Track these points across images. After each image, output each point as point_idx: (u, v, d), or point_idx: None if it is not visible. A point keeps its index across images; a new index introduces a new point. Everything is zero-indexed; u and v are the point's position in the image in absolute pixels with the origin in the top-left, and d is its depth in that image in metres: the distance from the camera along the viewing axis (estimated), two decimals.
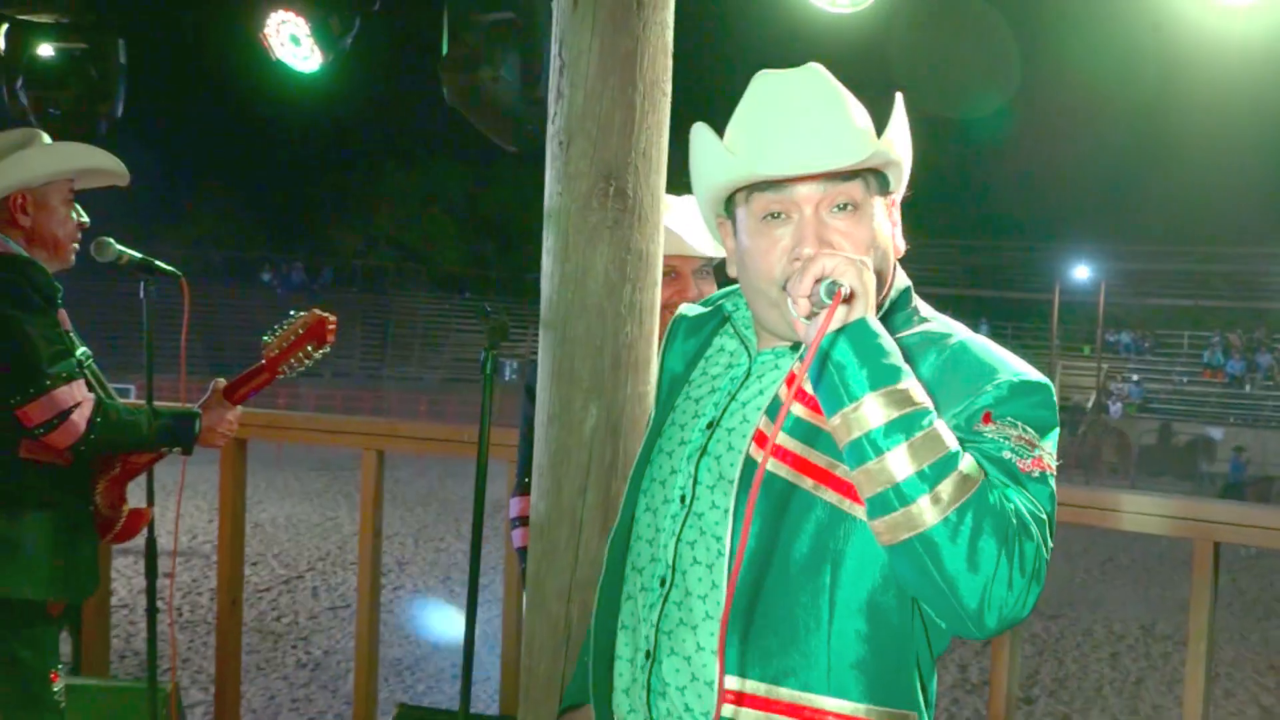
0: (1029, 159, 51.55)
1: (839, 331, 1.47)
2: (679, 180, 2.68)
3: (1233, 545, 3.31)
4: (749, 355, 1.79)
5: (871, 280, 1.51)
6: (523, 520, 3.26)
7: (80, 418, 2.87)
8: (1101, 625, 11.93)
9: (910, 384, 1.48)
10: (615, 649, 1.86)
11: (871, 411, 1.45)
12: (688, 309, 1.97)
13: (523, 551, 3.16)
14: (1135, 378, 37.90)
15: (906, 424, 1.44)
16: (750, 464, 1.65)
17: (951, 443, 1.45)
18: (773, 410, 1.66)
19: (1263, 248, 42.08)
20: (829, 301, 1.45)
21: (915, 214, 1.79)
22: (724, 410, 1.75)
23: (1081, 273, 42.89)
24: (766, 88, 1.71)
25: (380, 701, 4.40)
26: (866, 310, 1.49)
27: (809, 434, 1.62)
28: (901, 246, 1.74)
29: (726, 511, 1.67)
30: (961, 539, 1.42)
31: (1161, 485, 27.63)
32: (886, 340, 1.50)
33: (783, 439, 1.64)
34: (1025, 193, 51.15)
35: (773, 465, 1.64)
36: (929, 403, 1.48)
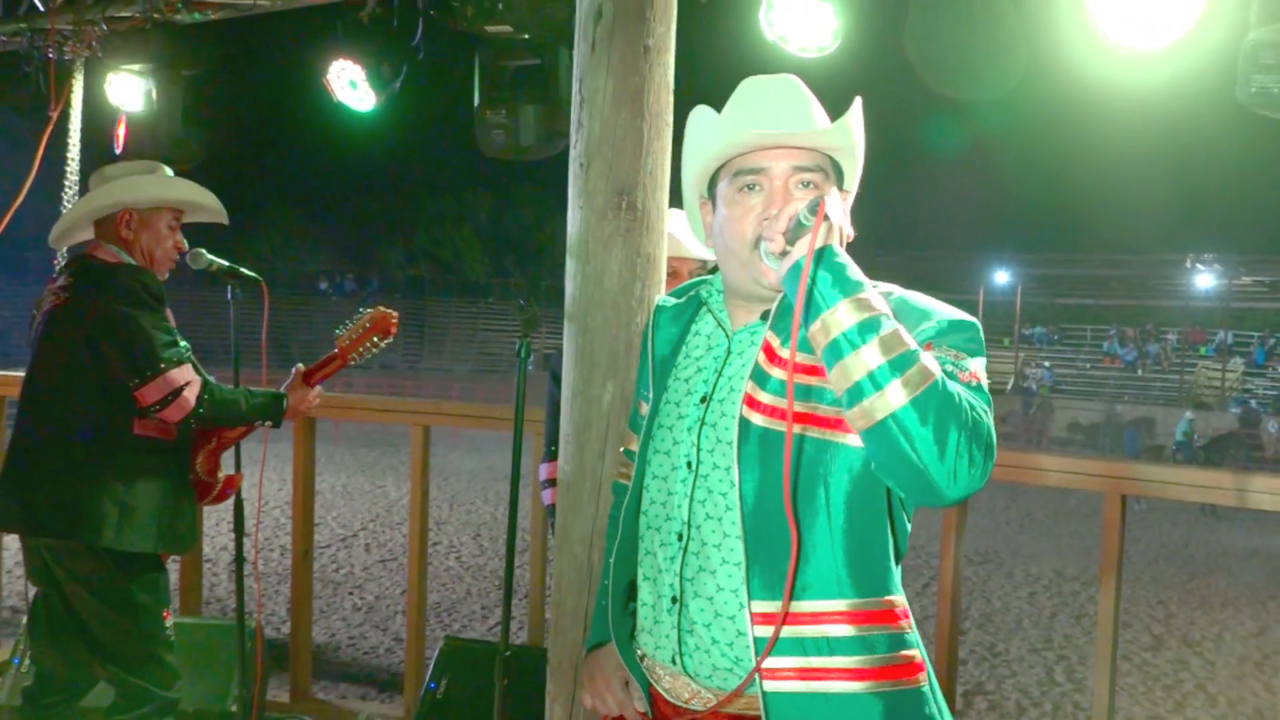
0: (961, 185, 51.76)
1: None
2: (680, 195, 2.69)
3: (1128, 500, 3.33)
4: (726, 335, 1.78)
5: (836, 214, 1.51)
6: (551, 482, 3.28)
7: (190, 395, 2.88)
8: (1021, 569, 11.96)
9: (872, 293, 1.48)
10: (634, 597, 1.86)
11: (845, 315, 1.44)
12: (664, 300, 1.95)
13: (552, 508, 3.17)
14: (1047, 364, 37.92)
15: (874, 323, 1.43)
16: (744, 423, 1.65)
17: (912, 342, 1.45)
18: (757, 376, 1.66)
19: (1152, 256, 42.22)
20: (808, 225, 1.45)
21: (870, 230, 1.79)
22: (714, 386, 1.74)
23: (1001, 277, 43.02)
24: (751, 85, 1.76)
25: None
26: (830, 239, 1.49)
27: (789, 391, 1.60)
28: (851, 233, 1.73)
29: (728, 470, 1.66)
30: (929, 419, 1.40)
31: (1070, 452, 27.76)
32: (848, 259, 1.50)
33: (769, 399, 1.64)
34: (956, 212, 51.32)
35: (764, 422, 1.64)
36: (888, 310, 1.48)
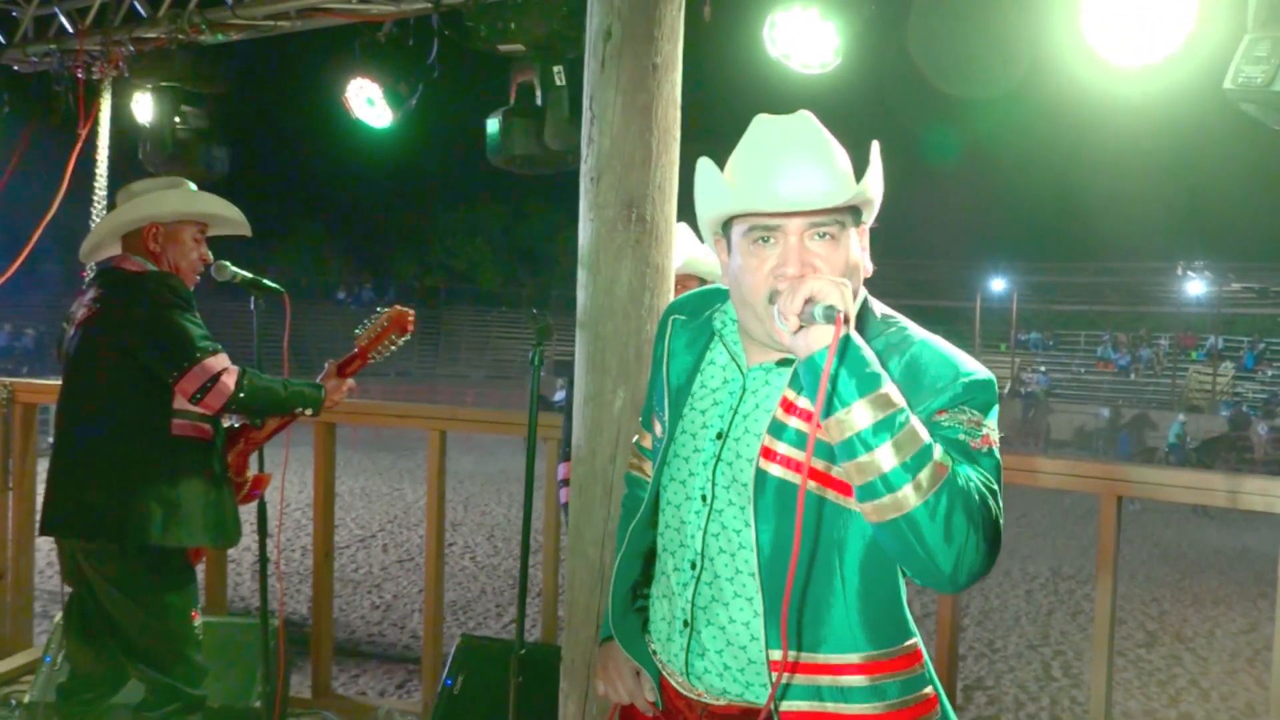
0: (958, 196, 51.76)
1: (825, 349, 1.43)
2: (686, 208, 2.70)
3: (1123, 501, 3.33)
4: (741, 372, 1.75)
5: (851, 301, 1.46)
6: (567, 482, 3.28)
7: (229, 380, 2.88)
8: (1018, 568, 11.93)
9: (889, 388, 1.45)
10: (647, 600, 1.86)
11: (860, 415, 1.42)
12: (678, 317, 1.90)
13: (567, 507, 3.17)
14: (1042, 369, 37.71)
15: (889, 423, 1.41)
16: (760, 474, 1.64)
17: (925, 436, 1.43)
18: (774, 428, 1.64)
19: (1143, 264, 42.08)
20: (820, 321, 1.41)
21: (872, 240, 1.74)
22: (729, 424, 1.72)
23: (998, 285, 42.85)
24: (764, 131, 1.65)
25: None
26: (849, 327, 1.45)
27: (806, 441, 1.56)
28: (869, 268, 1.70)
29: (743, 509, 1.66)
30: (939, 517, 1.40)
31: (1065, 454, 27.65)
32: (868, 352, 1.47)
33: (786, 450, 1.62)
34: (954, 222, 51.28)
35: (780, 473, 1.62)
36: (904, 402, 1.45)
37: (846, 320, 1.42)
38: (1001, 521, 1.47)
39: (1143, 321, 41.29)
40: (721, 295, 1.86)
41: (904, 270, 41.37)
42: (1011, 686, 7.49)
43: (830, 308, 1.41)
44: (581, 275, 2.57)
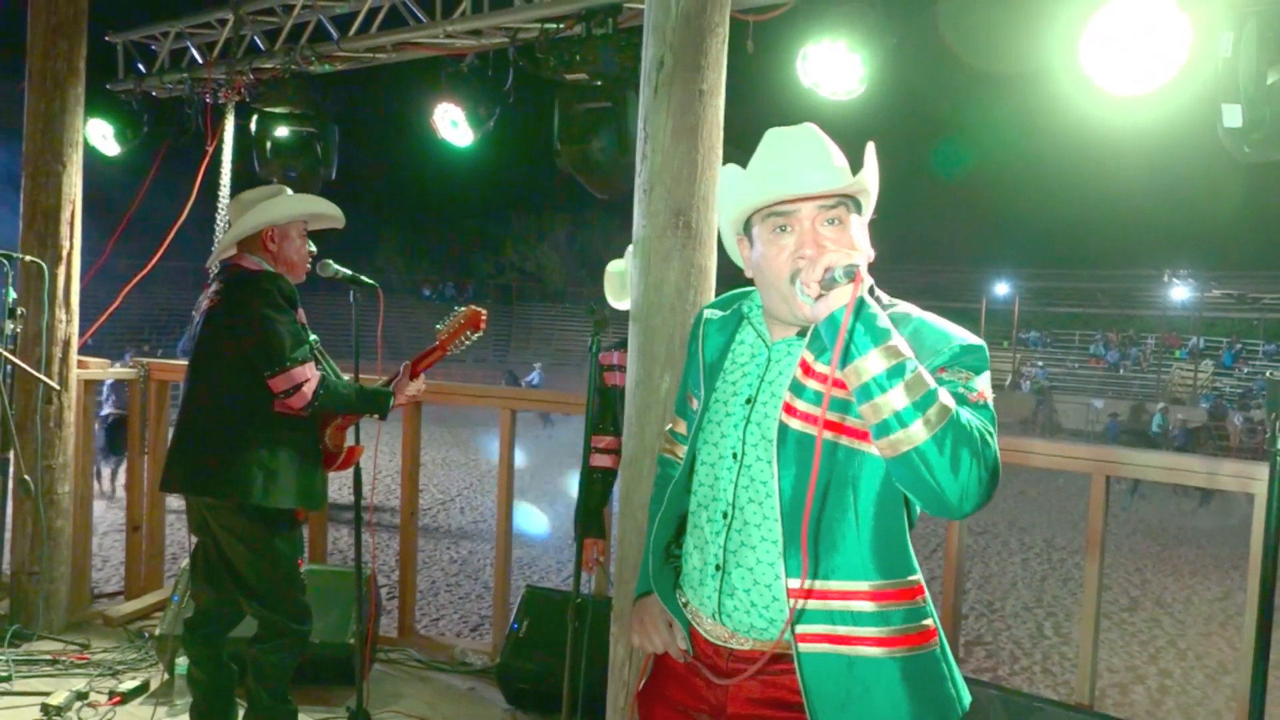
0: (967, 208, 51.14)
1: (844, 306, 1.45)
2: None
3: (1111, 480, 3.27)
4: (766, 346, 1.77)
5: (865, 264, 1.49)
6: (597, 450, 3.29)
7: (309, 389, 2.93)
8: (1015, 539, 11.79)
9: (899, 340, 1.46)
10: (680, 559, 1.85)
11: (875, 362, 1.43)
12: (710, 313, 1.92)
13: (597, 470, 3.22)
14: (1040, 364, 37.17)
15: (900, 369, 1.42)
16: (782, 428, 1.64)
17: (931, 382, 1.44)
18: (795, 387, 1.65)
19: (1132, 271, 41.37)
20: (841, 282, 1.42)
21: (886, 245, 1.75)
22: (757, 390, 1.73)
23: (1001, 289, 42.31)
24: (775, 138, 1.71)
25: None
26: (862, 290, 1.47)
27: (822, 400, 1.58)
28: (871, 254, 1.71)
29: (769, 462, 1.66)
30: (946, 450, 1.40)
31: (1061, 439, 27.18)
32: (878, 309, 1.48)
33: (805, 407, 1.63)
34: (963, 231, 50.66)
35: (800, 426, 1.63)
36: (911, 354, 1.46)
37: (863, 278, 1.44)
38: (999, 464, 1.47)
39: (1131, 323, 40.50)
40: (747, 291, 1.89)
41: (917, 274, 40.91)
42: (1008, 643, 7.42)
43: (850, 266, 1.43)
44: (634, 275, 2.56)
